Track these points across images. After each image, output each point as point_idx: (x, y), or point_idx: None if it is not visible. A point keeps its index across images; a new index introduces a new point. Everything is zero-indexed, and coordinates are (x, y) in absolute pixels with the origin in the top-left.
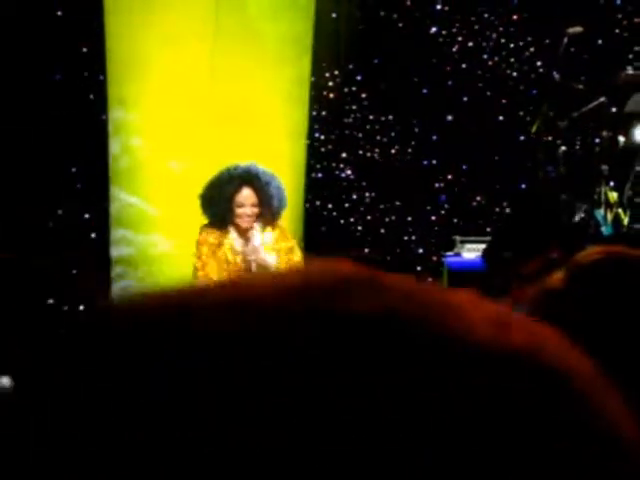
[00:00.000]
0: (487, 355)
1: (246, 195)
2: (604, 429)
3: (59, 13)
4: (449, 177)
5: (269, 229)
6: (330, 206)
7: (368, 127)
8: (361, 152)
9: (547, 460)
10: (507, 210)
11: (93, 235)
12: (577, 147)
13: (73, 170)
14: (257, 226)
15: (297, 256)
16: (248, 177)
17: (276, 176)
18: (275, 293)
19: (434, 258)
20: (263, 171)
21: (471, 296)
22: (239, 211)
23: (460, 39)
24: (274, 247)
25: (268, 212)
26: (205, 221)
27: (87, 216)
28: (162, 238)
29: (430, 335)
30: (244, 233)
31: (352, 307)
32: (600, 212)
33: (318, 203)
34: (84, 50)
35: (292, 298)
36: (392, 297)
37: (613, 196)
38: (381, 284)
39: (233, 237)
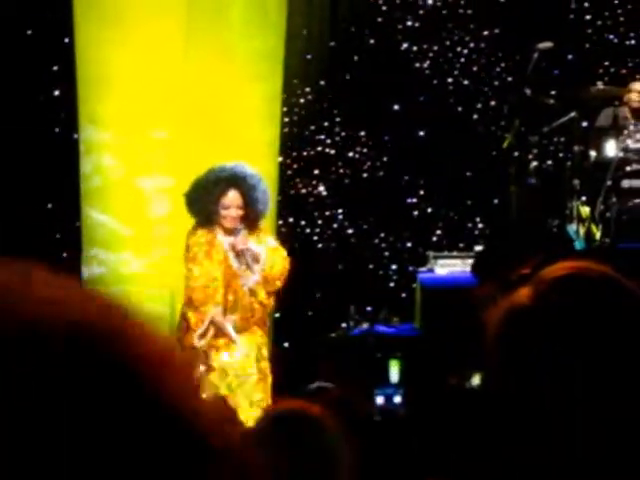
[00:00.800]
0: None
1: (232, 197)
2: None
3: (29, 32)
4: (421, 193)
5: (253, 236)
6: (303, 223)
7: (340, 144)
8: (333, 169)
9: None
10: (480, 225)
11: (65, 254)
12: (548, 162)
13: (44, 189)
14: (241, 229)
15: (282, 253)
16: (235, 179)
17: (262, 179)
18: None
19: (407, 273)
20: (250, 174)
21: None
22: (224, 212)
23: (431, 55)
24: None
25: (253, 215)
26: (190, 222)
27: (58, 235)
28: (133, 257)
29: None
30: (229, 233)
31: None
32: (572, 227)
33: (291, 220)
34: (54, 69)
35: None
36: None
37: (585, 211)
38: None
39: (221, 237)
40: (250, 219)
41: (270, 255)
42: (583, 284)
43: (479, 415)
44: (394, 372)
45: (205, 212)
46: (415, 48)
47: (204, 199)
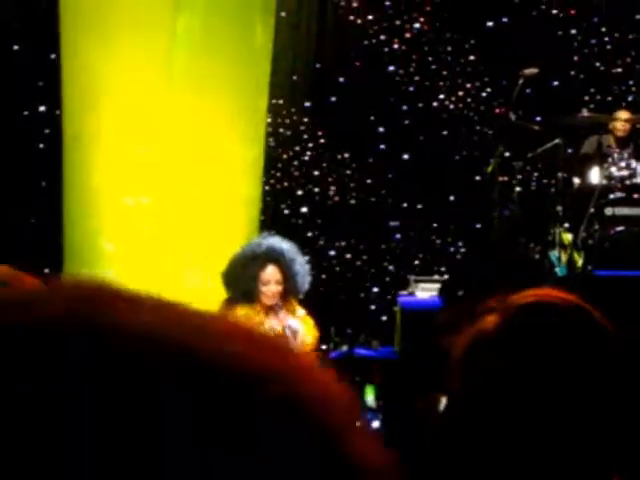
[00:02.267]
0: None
1: (271, 272)
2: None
3: (15, 48)
4: (404, 216)
5: (290, 312)
6: None
7: (324, 165)
8: (317, 190)
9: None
10: (462, 250)
11: (47, 270)
12: (532, 188)
13: (28, 205)
14: (280, 307)
15: (311, 322)
16: (273, 255)
17: (299, 252)
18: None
19: (388, 297)
20: (287, 248)
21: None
22: (264, 289)
23: (417, 78)
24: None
25: (293, 289)
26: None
27: (41, 251)
28: (117, 274)
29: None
30: (267, 312)
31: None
32: (554, 253)
33: None
34: (40, 84)
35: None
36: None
37: (567, 237)
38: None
39: (266, 314)
40: (290, 294)
41: (304, 327)
42: (548, 312)
43: (443, 438)
44: (370, 398)
45: (244, 289)
46: (401, 71)
47: (242, 276)
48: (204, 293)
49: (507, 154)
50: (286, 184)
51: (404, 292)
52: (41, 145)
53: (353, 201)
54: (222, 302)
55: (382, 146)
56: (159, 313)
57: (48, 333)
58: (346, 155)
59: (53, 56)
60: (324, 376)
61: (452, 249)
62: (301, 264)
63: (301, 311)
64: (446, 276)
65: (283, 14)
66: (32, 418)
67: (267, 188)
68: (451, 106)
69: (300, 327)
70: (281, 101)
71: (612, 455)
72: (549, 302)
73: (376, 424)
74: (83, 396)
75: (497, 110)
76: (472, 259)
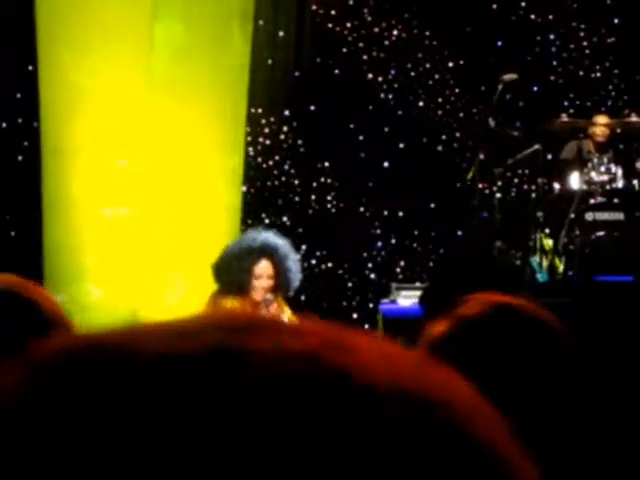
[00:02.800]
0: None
1: (264, 267)
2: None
3: None
4: (385, 224)
5: (277, 306)
6: None
7: (304, 174)
8: (297, 199)
9: None
10: (443, 257)
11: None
12: (512, 194)
13: (7, 217)
14: (271, 299)
15: None
16: (267, 249)
17: (292, 249)
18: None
19: (370, 305)
20: (282, 243)
21: (367, 336)
22: (255, 283)
23: (396, 86)
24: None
25: (284, 284)
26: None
27: (21, 263)
28: (94, 286)
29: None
30: (256, 306)
31: (258, 345)
32: (535, 259)
33: None
34: (18, 96)
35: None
36: (308, 338)
37: (548, 243)
38: (281, 326)
39: (261, 307)
40: (280, 289)
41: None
42: (502, 318)
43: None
44: None
45: (236, 282)
46: (380, 79)
47: (236, 268)
48: (185, 302)
49: (487, 160)
50: (266, 193)
51: (386, 300)
52: (20, 157)
53: (334, 210)
54: (211, 294)
55: (362, 154)
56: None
57: (201, 363)
58: (326, 164)
59: (30, 68)
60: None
61: (434, 256)
62: (294, 261)
63: (288, 311)
64: (426, 284)
65: (261, 22)
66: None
67: (247, 197)
68: (430, 113)
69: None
70: (260, 110)
71: (564, 446)
72: (503, 308)
73: None
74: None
75: (476, 116)
76: (452, 267)
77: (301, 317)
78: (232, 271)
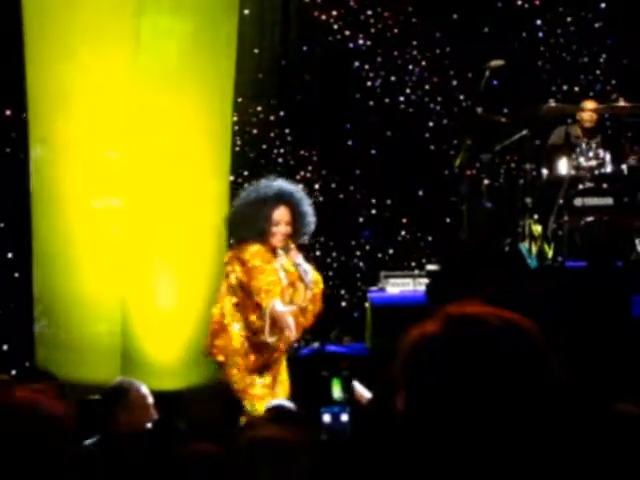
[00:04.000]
0: None
1: (282, 213)
2: None
3: None
4: (373, 212)
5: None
6: None
7: (291, 162)
8: None
9: None
10: (434, 244)
11: (16, 274)
12: (501, 180)
13: None
14: (289, 247)
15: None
16: (282, 195)
17: (305, 195)
18: None
19: (359, 293)
20: (295, 189)
21: None
22: (274, 229)
23: (383, 73)
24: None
25: (301, 229)
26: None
27: (10, 255)
28: (84, 278)
29: None
30: (276, 252)
31: None
32: (524, 245)
33: None
34: (6, 88)
35: None
36: None
37: (537, 229)
38: None
39: (273, 255)
40: (298, 234)
41: (312, 269)
42: (485, 323)
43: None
44: (336, 391)
45: (256, 229)
46: (367, 67)
47: (253, 216)
48: (174, 292)
49: (475, 147)
50: (254, 182)
51: (374, 288)
52: (7, 149)
53: (321, 198)
54: (230, 253)
55: (349, 142)
56: None
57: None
58: (313, 152)
59: (18, 59)
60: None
61: (422, 244)
62: (308, 205)
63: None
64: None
65: (247, 12)
66: None
67: (235, 187)
68: (417, 100)
69: (309, 269)
70: (247, 99)
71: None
72: (488, 314)
73: (345, 418)
74: None
75: (464, 103)
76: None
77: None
78: (249, 220)
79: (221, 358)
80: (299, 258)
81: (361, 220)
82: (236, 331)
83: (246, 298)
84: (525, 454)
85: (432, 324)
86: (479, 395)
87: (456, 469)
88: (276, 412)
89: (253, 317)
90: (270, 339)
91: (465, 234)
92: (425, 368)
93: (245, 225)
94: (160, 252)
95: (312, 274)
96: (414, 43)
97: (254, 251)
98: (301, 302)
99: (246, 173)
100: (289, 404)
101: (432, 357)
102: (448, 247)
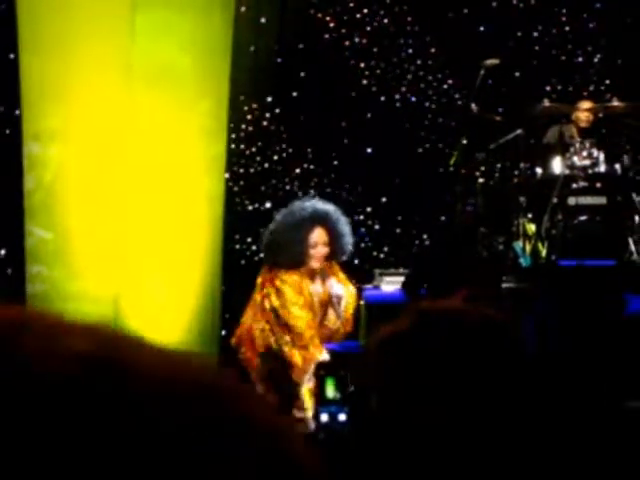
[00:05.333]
0: None
1: (318, 234)
2: None
3: None
4: (368, 210)
5: (333, 277)
6: (249, 240)
7: (287, 160)
8: (280, 185)
9: None
10: (426, 243)
11: (9, 271)
12: (495, 179)
13: None
14: (327, 273)
15: (352, 289)
16: (318, 216)
17: (342, 213)
18: None
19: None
20: (332, 209)
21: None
22: (312, 251)
23: (379, 72)
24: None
25: (339, 250)
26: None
27: (3, 252)
28: (78, 274)
29: None
30: (313, 275)
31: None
32: (519, 244)
33: (237, 237)
34: None
35: None
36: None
37: (531, 228)
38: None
39: (307, 283)
40: (336, 255)
41: (347, 294)
42: (458, 318)
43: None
44: (330, 390)
45: (292, 253)
46: (362, 65)
47: (290, 241)
48: (166, 290)
49: (470, 146)
50: (249, 180)
51: (369, 286)
52: (1, 146)
53: (317, 196)
54: (263, 269)
55: (345, 140)
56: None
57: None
58: (309, 150)
59: (12, 56)
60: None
61: (417, 242)
62: (345, 225)
63: (341, 274)
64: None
65: (243, 9)
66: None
67: (230, 184)
68: (413, 98)
69: (344, 294)
70: (242, 97)
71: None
72: (461, 310)
73: (343, 417)
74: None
75: (459, 102)
76: (435, 252)
77: (353, 282)
78: (286, 245)
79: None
80: (335, 285)
81: (356, 218)
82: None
83: (277, 323)
84: (499, 451)
85: (402, 321)
86: (450, 392)
87: (427, 467)
88: None
89: (294, 350)
90: (307, 384)
91: (458, 233)
92: (394, 365)
93: (281, 251)
94: (155, 249)
95: (346, 300)
96: (410, 42)
97: (288, 281)
98: (331, 325)
99: (241, 170)
100: None
101: (401, 354)
102: (420, 248)
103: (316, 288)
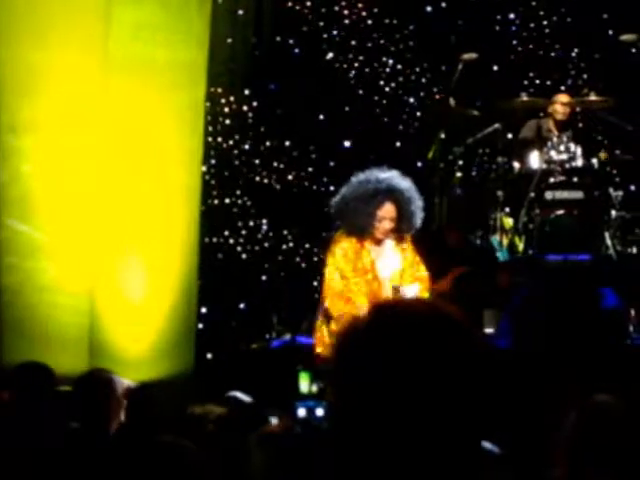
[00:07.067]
0: None
1: (387, 210)
2: None
3: None
4: None
5: (398, 249)
6: (226, 233)
7: (264, 153)
8: (257, 179)
9: None
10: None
11: None
12: (473, 173)
13: None
14: (389, 243)
15: (422, 270)
16: (392, 192)
17: (416, 191)
18: None
19: None
20: (407, 187)
21: None
22: (378, 225)
23: (356, 65)
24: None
25: (405, 228)
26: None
27: None
28: (52, 265)
29: None
30: (378, 243)
31: None
32: (496, 238)
33: (214, 230)
34: None
35: None
36: None
37: (508, 222)
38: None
39: (370, 248)
40: (402, 231)
41: (399, 264)
42: (413, 316)
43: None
44: (304, 384)
45: (359, 223)
46: (341, 58)
47: (359, 211)
48: (142, 282)
49: (447, 140)
50: (226, 173)
51: None
52: None
53: (295, 189)
54: (336, 234)
55: (322, 133)
56: None
57: None
58: (287, 143)
59: None
60: None
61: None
62: (417, 204)
63: (410, 248)
64: None
65: (220, 1)
66: None
67: (207, 178)
68: (391, 92)
69: (394, 264)
70: (220, 89)
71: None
72: (418, 307)
73: (319, 411)
74: None
75: (437, 96)
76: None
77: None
78: (355, 214)
79: None
80: (386, 256)
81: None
82: None
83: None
84: (454, 442)
85: (363, 317)
86: (403, 387)
87: (382, 460)
88: None
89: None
90: None
91: (435, 226)
92: (348, 360)
93: (349, 218)
94: (131, 242)
95: (395, 269)
96: (387, 35)
97: (343, 249)
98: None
99: (219, 163)
100: None
101: (355, 349)
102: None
103: (378, 255)
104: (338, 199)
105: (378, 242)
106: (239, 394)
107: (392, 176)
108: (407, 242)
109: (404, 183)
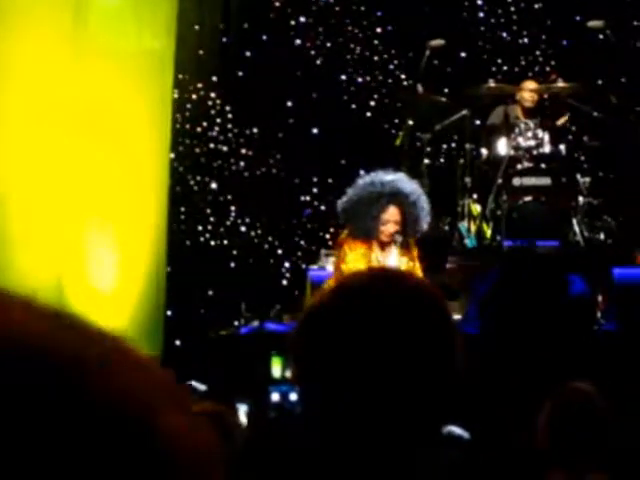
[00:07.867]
0: None
1: (391, 213)
2: None
3: None
4: (314, 190)
5: (403, 259)
6: (194, 220)
7: (233, 140)
8: (226, 165)
9: None
10: None
11: None
12: (440, 160)
13: None
14: (394, 245)
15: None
16: (396, 195)
17: (422, 194)
18: None
19: (299, 271)
20: (412, 189)
21: None
22: (382, 228)
23: (324, 52)
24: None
25: (410, 231)
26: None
27: None
28: (20, 254)
29: None
30: (383, 247)
31: None
32: (464, 224)
33: (182, 217)
34: None
35: None
36: None
37: (476, 209)
38: None
39: (376, 251)
40: (407, 234)
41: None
42: (381, 286)
43: None
44: (276, 368)
45: (364, 227)
46: (308, 44)
47: (364, 214)
48: (110, 272)
49: (415, 126)
50: (195, 160)
51: (314, 266)
52: None
53: (263, 176)
54: (343, 236)
55: (291, 120)
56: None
57: None
58: (255, 130)
59: None
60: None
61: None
62: (422, 207)
63: (415, 251)
64: None
65: None
66: None
67: (175, 164)
68: (359, 79)
69: (396, 266)
70: (187, 76)
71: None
72: (381, 279)
73: (294, 397)
74: None
75: (404, 82)
76: None
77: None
78: (359, 216)
79: None
80: (389, 259)
81: (302, 199)
82: None
83: None
84: (418, 417)
85: (324, 294)
86: (365, 362)
87: (345, 440)
88: None
89: None
90: None
91: None
92: (309, 335)
93: (354, 220)
94: (99, 229)
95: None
96: (355, 21)
97: (354, 247)
98: None
99: (186, 151)
100: None
101: (316, 326)
102: None
103: (385, 259)
104: (343, 201)
105: (383, 248)
106: (194, 383)
107: (397, 179)
108: (412, 251)
109: (409, 186)
